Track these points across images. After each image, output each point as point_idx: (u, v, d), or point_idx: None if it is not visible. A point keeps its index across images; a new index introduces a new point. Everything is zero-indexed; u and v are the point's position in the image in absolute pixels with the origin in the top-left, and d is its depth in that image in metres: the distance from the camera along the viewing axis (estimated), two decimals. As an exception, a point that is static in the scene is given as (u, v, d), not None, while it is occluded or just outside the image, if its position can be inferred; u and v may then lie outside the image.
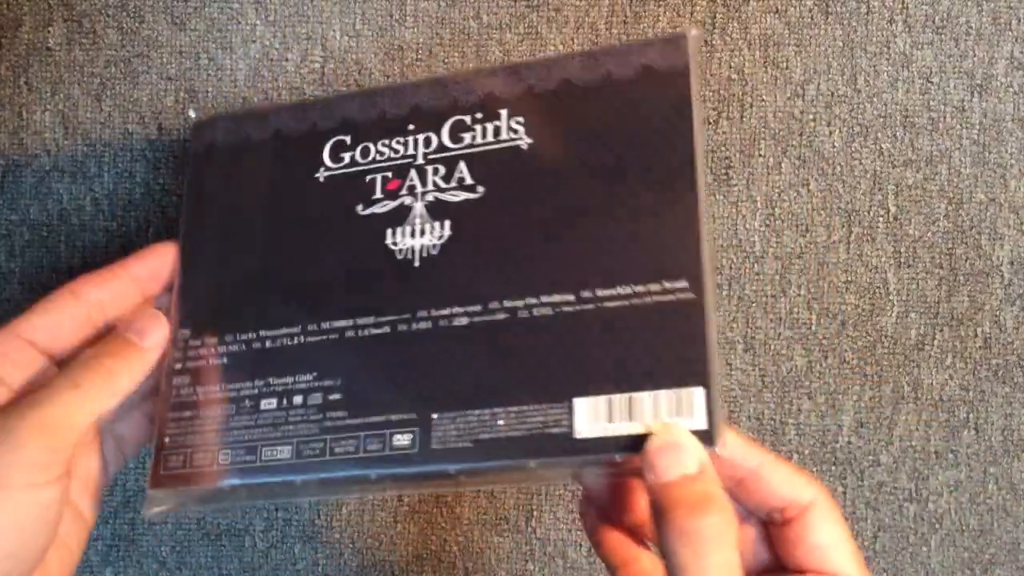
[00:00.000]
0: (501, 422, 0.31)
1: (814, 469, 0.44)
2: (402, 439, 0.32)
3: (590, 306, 0.32)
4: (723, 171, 0.44)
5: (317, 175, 0.37)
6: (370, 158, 0.36)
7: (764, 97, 0.45)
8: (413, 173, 0.36)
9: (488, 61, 0.44)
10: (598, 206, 0.33)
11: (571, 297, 0.32)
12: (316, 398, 0.33)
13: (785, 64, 0.45)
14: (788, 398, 0.44)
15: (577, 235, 0.33)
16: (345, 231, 0.36)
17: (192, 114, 0.40)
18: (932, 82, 0.45)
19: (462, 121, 0.36)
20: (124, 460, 0.36)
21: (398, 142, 0.36)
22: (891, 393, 0.44)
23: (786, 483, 0.30)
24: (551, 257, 0.33)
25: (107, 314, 0.34)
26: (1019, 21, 0.45)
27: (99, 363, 0.32)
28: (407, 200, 0.35)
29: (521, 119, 0.35)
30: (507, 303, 0.33)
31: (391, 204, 0.36)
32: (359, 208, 0.36)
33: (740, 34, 0.45)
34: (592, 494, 0.33)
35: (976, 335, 0.44)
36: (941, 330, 0.44)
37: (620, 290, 0.32)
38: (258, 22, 0.44)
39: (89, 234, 0.44)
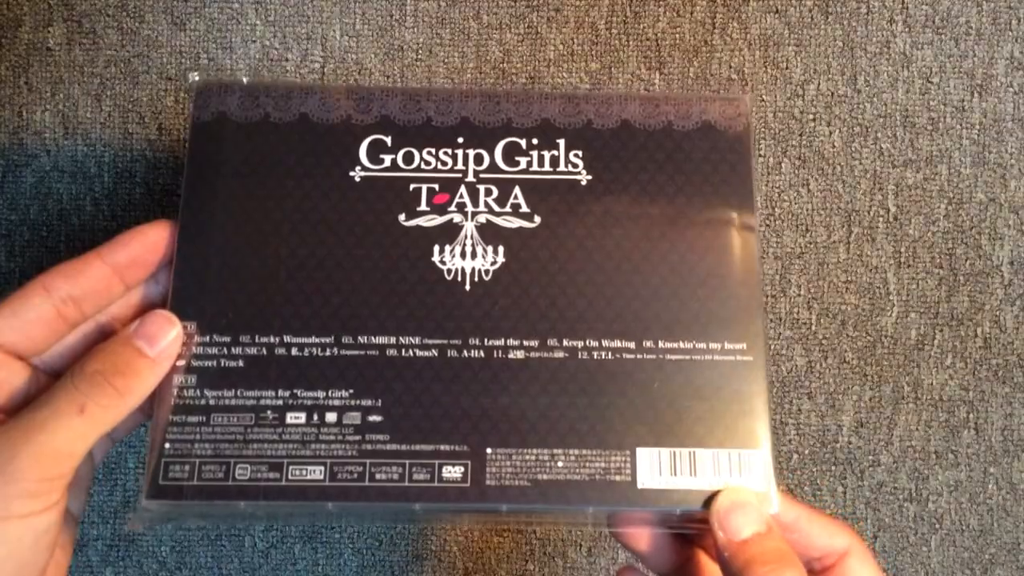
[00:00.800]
0: (560, 464, 0.31)
1: (814, 469, 0.44)
2: (453, 472, 0.31)
3: (651, 356, 0.33)
4: (723, 171, 0.44)
5: (352, 174, 0.35)
6: (414, 165, 0.35)
7: (764, 97, 0.45)
8: (463, 190, 0.35)
9: (488, 61, 0.44)
10: (658, 256, 0.34)
11: (632, 345, 0.33)
12: (353, 417, 0.32)
13: (785, 64, 0.45)
14: (788, 398, 0.44)
15: (636, 281, 0.34)
16: (385, 240, 0.34)
17: (195, 77, 0.37)
18: (932, 82, 0.45)
19: (517, 144, 0.35)
20: (111, 445, 0.34)
21: (446, 153, 0.35)
22: (891, 393, 0.44)
23: (823, 533, 0.32)
24: (610, 301, 0.33)
25: (84, 310, 0.32)
26: (1019, 21, 0.45)
27: (107, 382, 0.29)
28: (456, 218, 0.34)
29: (580, 153, 0.35)
30: (566, 342, 0.33)
31: (439, 219, 0.34)
32: (401, 217, 0.34)
33: (740, 34, 0.45)
34: (628, 546, 0.34)
35: (976, 335, 0.44)
36: (941, 330, 0.44)
37: (682, 344, 0.33)
38: (258, 22, 0.44)
39: (89, 234, 0.44)
